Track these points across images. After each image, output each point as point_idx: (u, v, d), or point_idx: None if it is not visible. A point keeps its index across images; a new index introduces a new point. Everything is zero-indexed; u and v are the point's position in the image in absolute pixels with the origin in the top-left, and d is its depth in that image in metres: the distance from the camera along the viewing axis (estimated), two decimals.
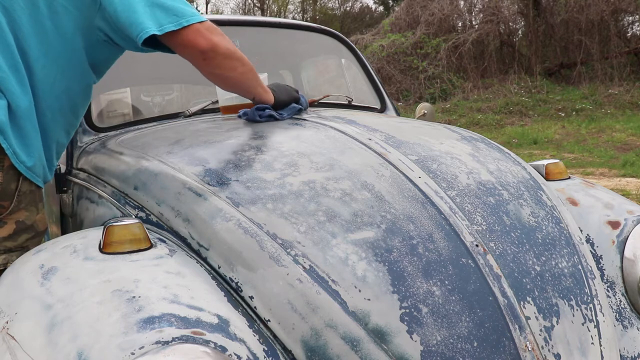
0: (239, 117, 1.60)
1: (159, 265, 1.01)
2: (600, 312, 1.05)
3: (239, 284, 1.01)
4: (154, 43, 1.30)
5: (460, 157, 1.27)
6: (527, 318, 0.96)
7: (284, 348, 0.95)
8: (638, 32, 13.31)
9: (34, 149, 1.27)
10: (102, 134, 1.77)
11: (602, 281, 1.22)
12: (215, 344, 0.84)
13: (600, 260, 1.25)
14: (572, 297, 1.04)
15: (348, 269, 0.98)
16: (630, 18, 13.15)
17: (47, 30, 1.26)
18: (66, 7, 1.27)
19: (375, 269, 0.98)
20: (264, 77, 1.68)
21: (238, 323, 0.92)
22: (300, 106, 1.59)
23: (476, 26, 13.32)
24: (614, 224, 1.29)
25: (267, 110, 1.52)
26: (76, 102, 1.40)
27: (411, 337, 0.92)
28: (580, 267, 1.10)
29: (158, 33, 1.25)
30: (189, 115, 1.86)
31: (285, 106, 1.56)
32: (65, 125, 1.40)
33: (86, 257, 1.03)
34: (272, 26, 2.36)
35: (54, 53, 1.28)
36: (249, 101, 1.61)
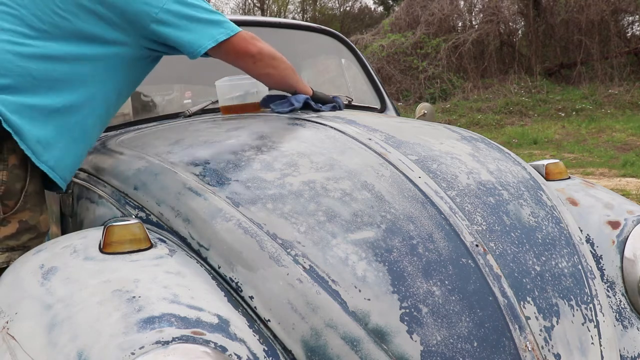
0: (272, 110, 1.64)
1: (159, 265, 1.01)
2: (600, 312, 1.05)
3: (239, 284, 1.01)
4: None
5: (460, 157, 1.27)
6: (527, 318, 0.96)
7: (284, 348, 0.95)
8: (638, 32, 13.31)
9: (58, 152, 1.32)
10: (102, 134, 1.76)
11: (602, 281, 1.22)
12: (215, 344, 0.84)
13: (600, 260, 1.25)
14: (572, 297, 1.04)
15: (348, 269, 0.98)
16: (630, 18, 13.15)
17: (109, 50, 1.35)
18: (118, 24, 1.34)
19: (375, 269, 0.98)
20: None
21: (238, 323, 0.92)
22: (339, 104, 1.69)
23: (476, 26, 13.31)
24: (614, 224, 1.29)
25: (302, 96, 1.60)
26: (114, 113, 1.51)
27: (411, 337, 0.92)
28: (580, 267, 1.10)
29: (213, 45, 1.39)
30: (189, 115, 1.86)
31: (323, 102, 1.65)
32: (100, 132, 1.50)
33: (86, 257, 1.03)
34: (272, 26, 2.36)
35: (115, 72, 1.37)
36: (250, 102, 1.62)
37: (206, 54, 1.43)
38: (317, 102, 1.64)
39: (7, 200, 1.23)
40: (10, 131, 1.19)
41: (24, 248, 1.26)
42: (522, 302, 0.98)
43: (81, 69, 1.31)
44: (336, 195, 1.10)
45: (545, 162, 1.52)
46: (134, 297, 0.90)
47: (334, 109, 1.66)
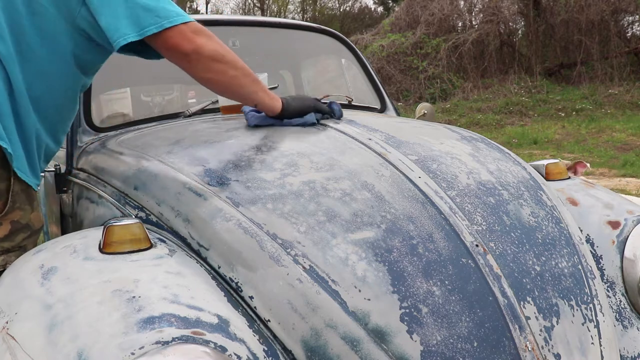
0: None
1: (159, 265, 1.01)
2: (600, 312, 1.05)
3: (239, 284, 1.01)
4: (138, 45, 1.26)
5: (460, 157, 1.27)
6: (527, 318, 0.96)
7: (284, 348, 0.95)
8: (638, 32, 13.31)
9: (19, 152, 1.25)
10: (102, 134, 1.77)
11: (602, 281, 1.22)
12: (215, 344, 0.84)
13: (600, 260, 1.25)
14: (572, 297, 1.04)
15: (348, 269, 0.98)
16: (630, 18, 13.15)
17: (26, 31, 1.23)
18: (46, 8, 1.23)
19: (375, 269, 0.98)
20: (263, 77, 1.67)
21: (238, 323, 0.92)
22: (312, 120, 1.44)
23: (476, 26, 13.32)
24: (614, 224, 1.29)
25: (254, 117, 1.44)
26: (61, 104, 1.35)
27: (411, 337, 0.92)
28: (580, 267, 1.10)
29: (137, 38, 1.21)
30: (189, 115, 1.86)
31: (296, 116, 1.44)
32: (50, 129, 1.35)
33: (86, 257, 1.03)
34: (272, 26, 2.36)
35: (32, 54, 1.24)
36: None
37: (138, 50, 1.27)
38: (289, 116, 1.43)
39: None
40: None
41: (20, 248, 1.25)
42: (522, 302, 0.98)
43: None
44: (336, 195, 1.10)
45: (545, 162, 1.52)
46: (134, 297, 0.90)
47: (304, 125, 1.43)
